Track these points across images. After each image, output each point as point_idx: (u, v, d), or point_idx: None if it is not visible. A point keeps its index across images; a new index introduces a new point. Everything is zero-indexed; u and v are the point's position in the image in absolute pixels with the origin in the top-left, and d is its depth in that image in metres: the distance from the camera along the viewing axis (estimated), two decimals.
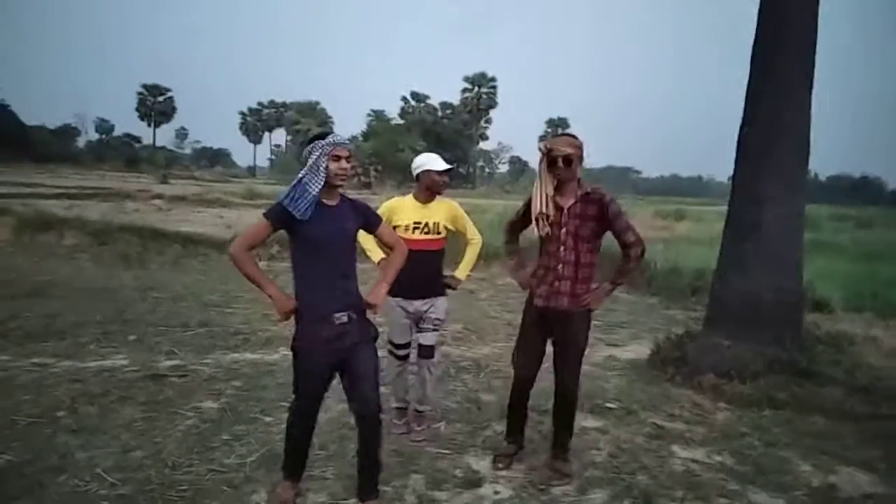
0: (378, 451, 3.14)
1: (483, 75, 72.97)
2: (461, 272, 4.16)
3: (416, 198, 3.99)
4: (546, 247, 3.46)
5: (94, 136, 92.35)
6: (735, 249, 5.80)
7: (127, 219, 14.08)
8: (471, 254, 4.18)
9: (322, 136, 2.96)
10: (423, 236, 3.90)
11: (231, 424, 4.17)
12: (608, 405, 4.81)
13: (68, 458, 3.57)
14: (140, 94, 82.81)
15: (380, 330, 3.23)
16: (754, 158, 5.70)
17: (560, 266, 3.40)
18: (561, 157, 3.29)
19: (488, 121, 75.48)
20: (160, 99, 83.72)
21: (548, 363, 3.62)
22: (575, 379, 3.54)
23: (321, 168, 2.87)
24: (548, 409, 4.03)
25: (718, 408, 4.89)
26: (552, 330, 3.51)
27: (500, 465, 3.71)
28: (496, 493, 3.45)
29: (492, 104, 74.07)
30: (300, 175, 2.87)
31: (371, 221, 3.16)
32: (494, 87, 73.54)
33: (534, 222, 3.37)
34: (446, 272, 4.13)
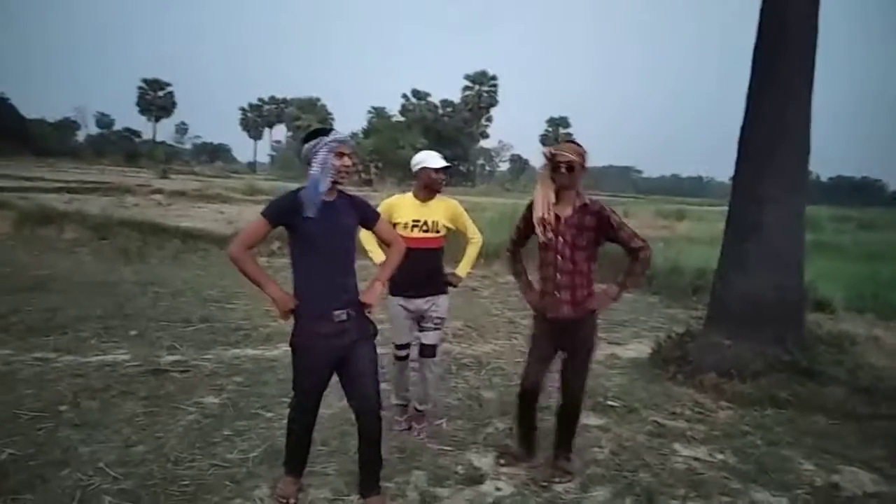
0: (379, 448, 3.15)
1: (484, 73, 73.01)
2: (462, 269, 4.16)
3: (415, 196, 3.98)
4: (544, 257, 3.45)
5: (95, 130, 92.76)
6: (736, 249, 5.80)
7: (127, 213, 14.09)
8: (472, 252, 4.17)
9: (321, 132, 2.96)
10: (423, 234, 3.89)
11: (233, 420, 4.17)
12: (610, 403, 4.81)
13: (70, 452, 3.57)
14: (140, 88, 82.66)
15: (380, 328, 3.22)
16: (755, 159, 5.69)
17: (558, 275, 3.39)
18: (564, 163, 3.28)
19: (489, 119, 75.50)
20: (160, 94, 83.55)
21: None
22: (582, 384, 3.53)
23: (328, 165, 2.87)
24: (549, 406, 4.03)
25: (720, 406, 4.89)
26: (561, 341, 3.49)
27: (503, 462, 3.71)
28: (498, 489, 3.45)
29: (492, 102, 74.09)
30: (314, 173, 2.85)
31: (369, 217, 3.15)
32: (495, 86, 73.60)
33: (536, 227, 3.36)
34: (447, 270, 4.13)
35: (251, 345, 5.90)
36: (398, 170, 43.75)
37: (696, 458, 3.94)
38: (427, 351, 4.08)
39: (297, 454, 3.22)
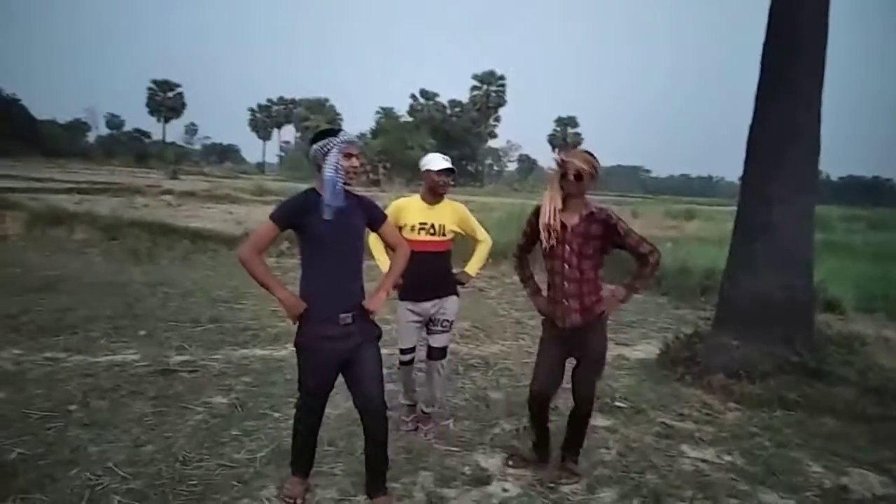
0: (385, 448, 3.15)
1: (492, 73, 72.97)
2: (472, 268, 4.15)
3: (423, 198, 3.98)
4: (551, 265, 3.43)
5: (105, 131, 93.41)
6: (745, 249, 5.77)
7: (137, 214, 14.17)
8: (481, 251, 4.17)
9: (329, 133, 2.96)
10: (429, 237, 3.89)
11: (241, 420, 4.19)
12: (617, 404, 4.80)
13: (80, 451, 3.60)
14: (150, 89, 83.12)
15: (387, 328, 3.22)
16: (764, 158, 5.66)
17: (565, 284, 3.37)
18: (572, 171, 3.26)
19: (497, 119, 75.46)
20: (170, 95, 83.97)
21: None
22: (592, 388, 3.51)
23: (339, 166, 2.88)
24: (556, 406, 4.03)
25: (728, 408, 4.87)
26: (570, 347, 3.48)
27: (511, 464, 3.71)
28: (504, 490, 3.44)
29: (501, 102, 74.03)
30: (329, 175, 2.85)
31: (376, 218, 3.15)
32: (503, 86, 73.55)
33: (542, 232, 3.35)
34: (455, 269, 4.13)
35: (259, 345, 5.93)
36: (406, 170, 43.78)
37: (703, 460, 3.93)
38: (436, 353, 4.08)
39: (303, 454, 3.23)
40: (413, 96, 72.51)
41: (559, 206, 3.31)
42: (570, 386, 3.53)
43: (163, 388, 4.66)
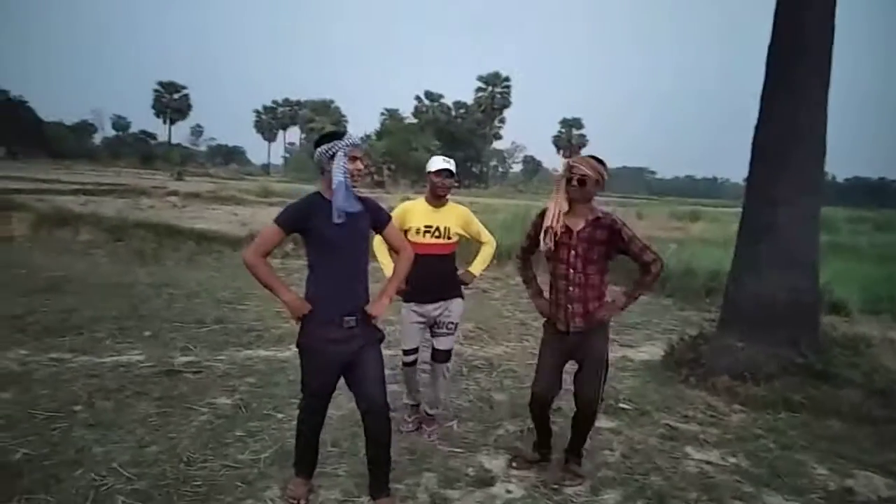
0: (387, 450, 3.15)
1: (497, 75, 73.03)
2: (476, 268, 4.16)
3: (427, 201, 3.99)
4: (556, 270, 3.43)
5: (111, 132, 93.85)
6: (749, 251, 5.75)
7: (142, 215, 14.22)
8: (486, 252, 4.17)
9: (334, 135, 2.97)
10: (434, 240, 3.89)
11: (245, 421, 4.19)
12: (622, 406, 4.80)
13: (85, 452, 3.61)
14: (156, 91, 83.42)
15: (390, 330, 3.23)
16: (769, 160, 5.64)
17: (570, 288, 3.37)
18: (576, 176, 3.26)
19: (502, 120, 75.56)
20: (176, 96, 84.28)
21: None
22: (596, 392, 3.48)
23: (346, 168, 2.88)
24: (560, 408, 4.02)
25: (733, 409, 4.86)
26: (572, 351, 3.48)
27: (515, 466, 3.71)
28: (508, 492, 3.44)
29: (505, 104, 74.10)
30: (340, 180, 2.84)
31: (380, 220, 3.15)
32: (508, 87, 73.61)
33: (542, 234, 3.34)
34: (459, 269, 4.13)
35: (263, 346, 5.94)
36: (411, 172, 43.87)
37: (708, 462, 3.92)
38: (440, 356, 4.08)
39: (306, 455, 3.24)
40: (418, 98, 72.78)
41: (564, 209, 3.30)
42: (572, 388, 3.53)
43: (167, 389, 4.67)
